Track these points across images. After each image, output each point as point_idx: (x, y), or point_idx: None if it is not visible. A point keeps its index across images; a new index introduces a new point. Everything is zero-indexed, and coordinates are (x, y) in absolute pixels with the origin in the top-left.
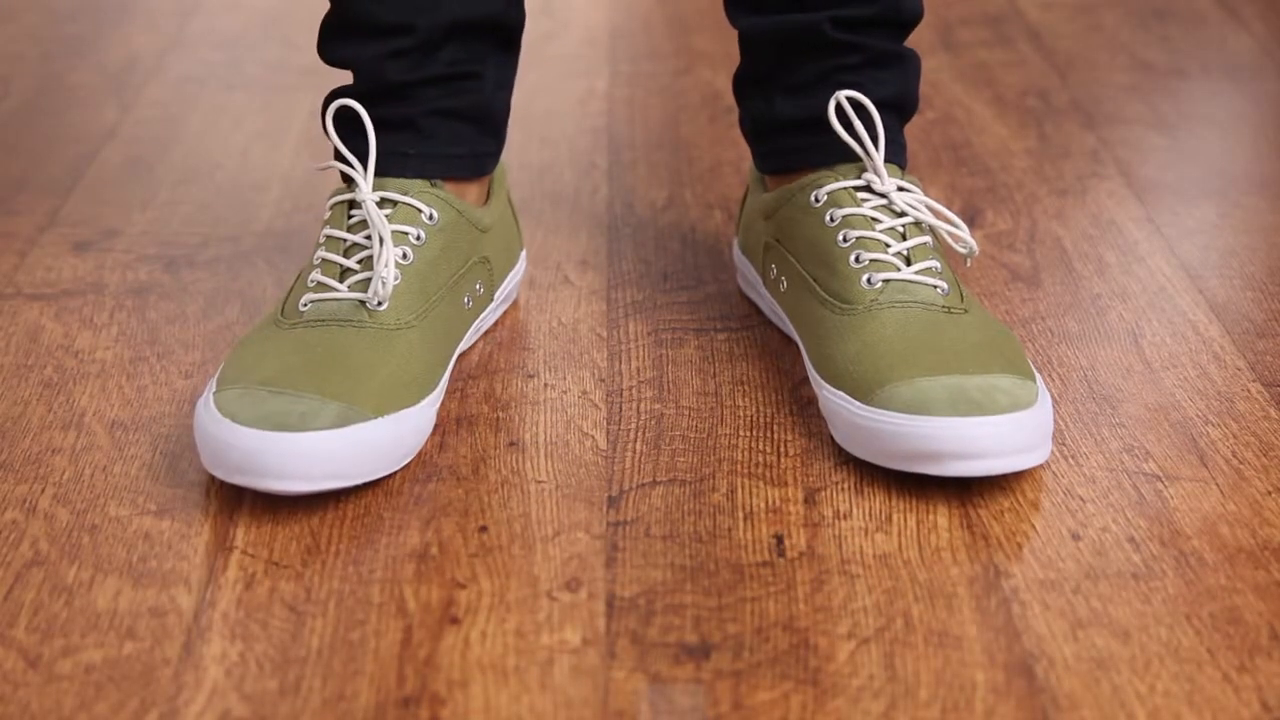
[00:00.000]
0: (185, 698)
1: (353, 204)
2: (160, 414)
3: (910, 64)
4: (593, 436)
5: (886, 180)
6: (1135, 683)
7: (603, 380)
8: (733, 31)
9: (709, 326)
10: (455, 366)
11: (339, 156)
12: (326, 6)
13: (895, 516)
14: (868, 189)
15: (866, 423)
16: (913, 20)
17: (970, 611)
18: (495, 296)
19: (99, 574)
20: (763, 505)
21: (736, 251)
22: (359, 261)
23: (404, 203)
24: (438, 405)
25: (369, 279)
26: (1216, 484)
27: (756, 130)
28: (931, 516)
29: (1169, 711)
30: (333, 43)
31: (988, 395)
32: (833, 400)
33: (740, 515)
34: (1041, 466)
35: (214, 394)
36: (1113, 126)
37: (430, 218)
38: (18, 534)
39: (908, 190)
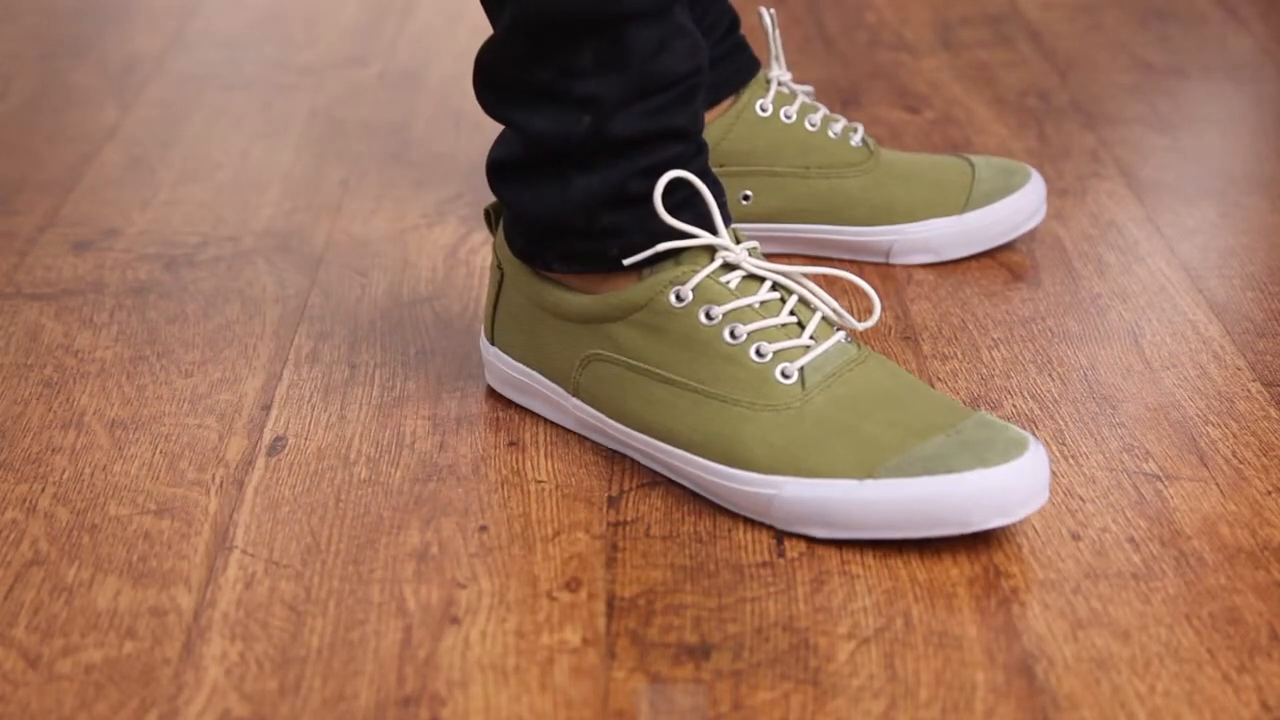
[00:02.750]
0: (185, 697)
1: (726, 267)
2: (160, 413)
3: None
4: (593, 436)
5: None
6: (1135, 683)
7: None
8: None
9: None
10: (457, 366)
11: (678, 233)
12: (326, 6)
13: None
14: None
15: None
16: None
17: (970, 611)
18: None
19: (99, 574)
20: None
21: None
22: (790, 313)
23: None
24: None
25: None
26: (1216, 484)
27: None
28: None
29: (1169, 711)
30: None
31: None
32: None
33: (740, 515)
34: None
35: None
36: (1113, 126)
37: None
38: (18, 533)
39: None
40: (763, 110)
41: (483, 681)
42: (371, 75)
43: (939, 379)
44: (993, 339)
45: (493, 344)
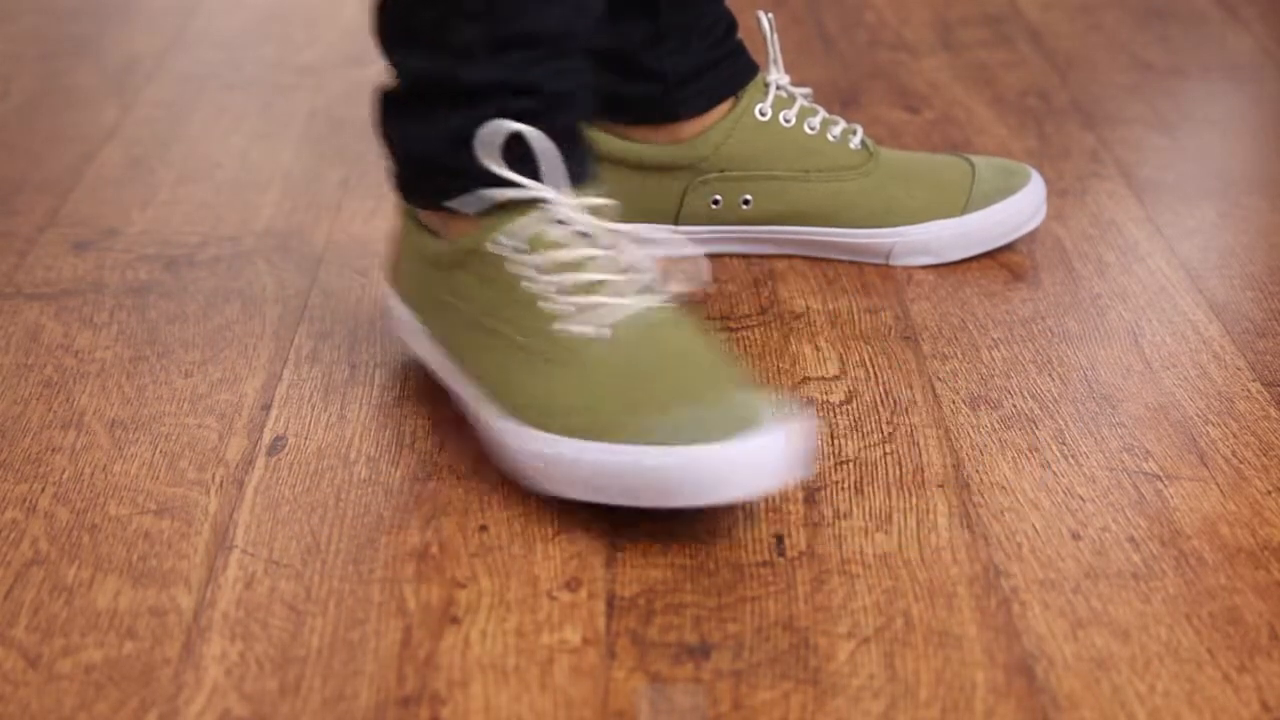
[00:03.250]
0: (185, 697)
1: (551, 221)
2: (160, 413)
3: None
4: None
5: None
6: (1135, 683)
7: None
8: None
9: (709, 326)
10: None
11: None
12: (326, 6)
13: (895, 516)
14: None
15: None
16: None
17: (970, 611)
18: None
19: (99, 573)
20: (762, 505)
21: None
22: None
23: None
24: None
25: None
26: (1216, 484)
27: None
28: (931, 516)
29: (1169, 711)
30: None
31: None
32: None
33: (740, 514)
34: (1042, 466)
35: (623, 440)
36: (1113, 126)
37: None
38: (18, 533)
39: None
40: (761, 114)
41: (483, 681)
42: (371, 75)
43: (939, 379)
44: (993, 339)
45: (393, 288)
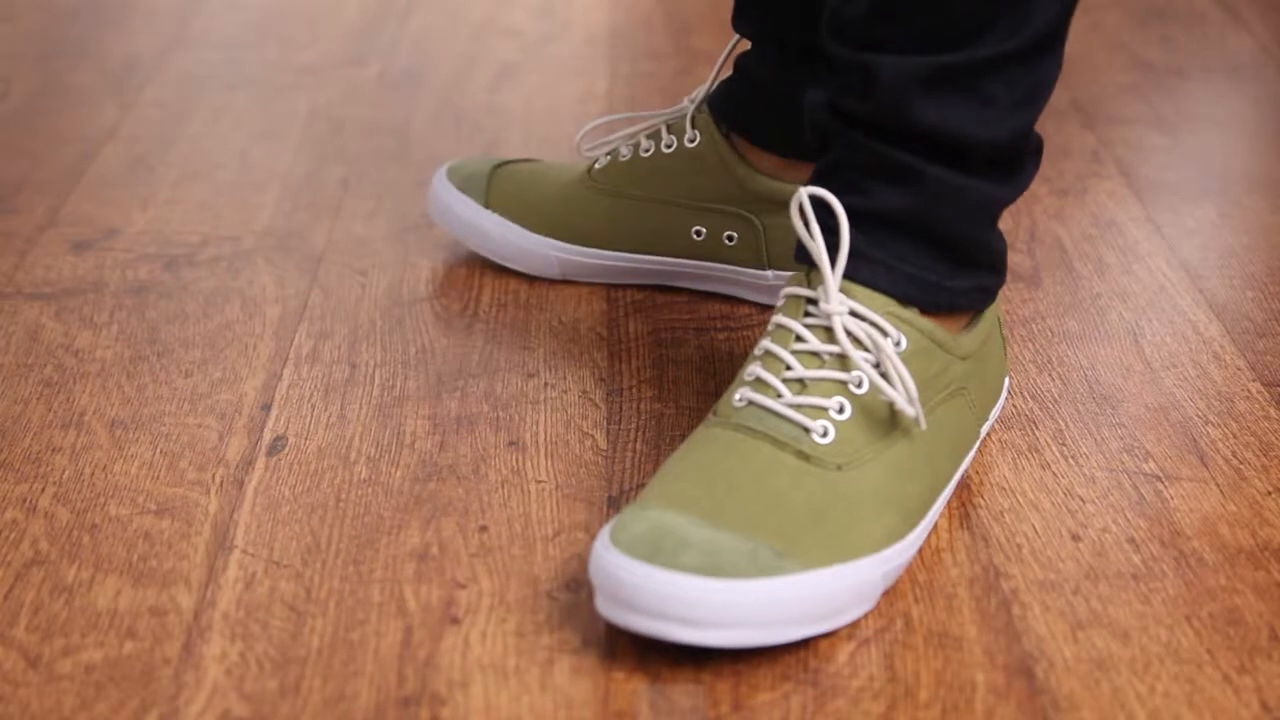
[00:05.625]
0: (185, 697)
1: (810, 301)
2: (160, 413)
3: (932, 185)
4: (593, 436)
5: (833, 298)
6: (1135, 683)
7: (603, 380)
8: (732, 30)
9: (709, 326)
10: (457, 365)
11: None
12: (326, 6)
13: None
14: (814, 303)
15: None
16: (923, 133)
17: (970, 612)
18: (979, 432)
19: (99, 573)
20: None
21: None
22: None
23: (871, 320)
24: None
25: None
26: (1216, 484)
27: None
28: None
29: (1169, 712)
30: None
31: (680, 546)
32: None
33: None
34: (1042, 466)
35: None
36: (1113, 126)
37: (898, 344)
38: (18, 533)
39: (865, 319)
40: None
41: (483, 681)
42: (371, 75)
43: None
44: None
45: None
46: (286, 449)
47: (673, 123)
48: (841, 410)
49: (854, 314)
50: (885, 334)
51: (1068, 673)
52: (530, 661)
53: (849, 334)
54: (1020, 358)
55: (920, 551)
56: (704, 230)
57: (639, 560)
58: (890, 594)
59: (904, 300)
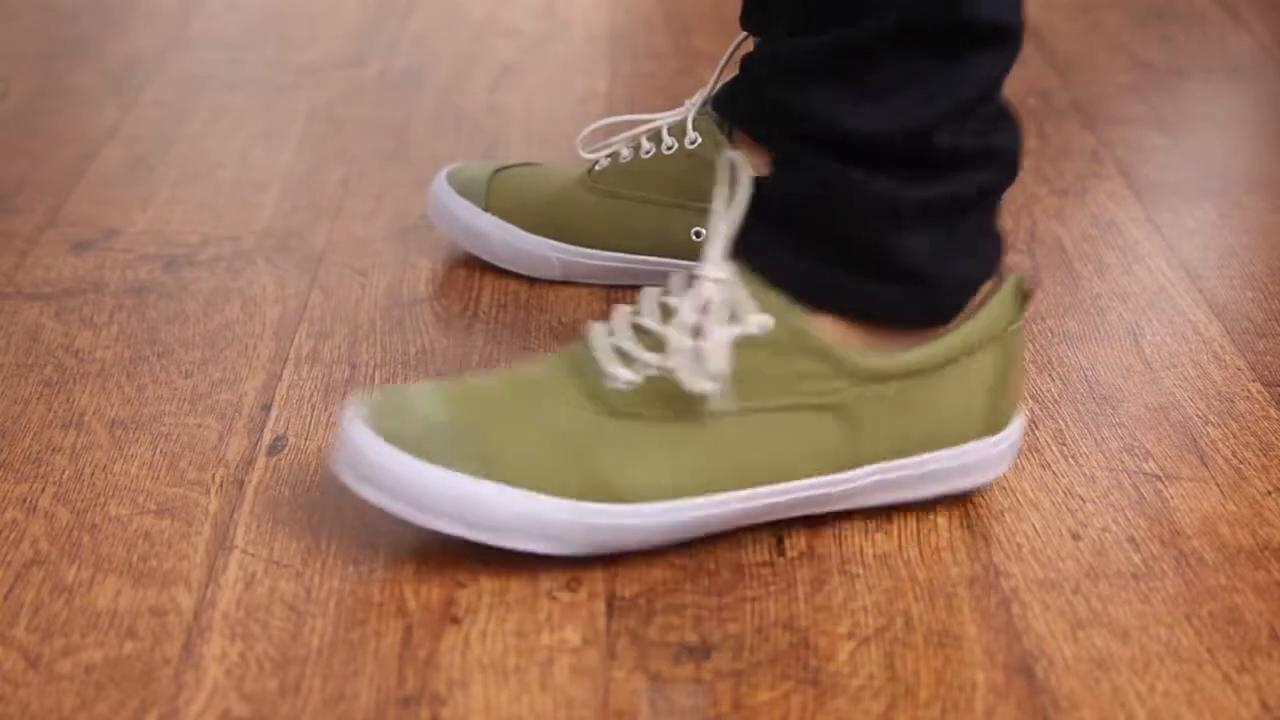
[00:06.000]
0: (185, 697)
1: None
2: (160, 413)
3: (819, 176)
4: None
5: (706, 265)
6: (1135, 683)
7: None
8: (733, 31)
9: None
10: (456, 366)
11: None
12: (326, 6)
13: (895, 516)
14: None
15: None
16: (799, 118)
17: (970, 611)
18: (853, 467)
19: (99, 573)
20: None
21: None
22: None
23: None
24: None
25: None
26: (1216, 484)
27: None
28: (931, 516)
29: (1169, 711)
30: None
31: (405, 422)
32: None
33: None
34: (1042, 466)
35: None
36: (1113, 126)
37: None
38: (18, 533)
39: (729, 294)
40: None
41: (483, 681)
42: (371, 75)
43: None
44: None
45: None
46: (286, 449)
47: (673, 124)
48: (661, 367)
49: (720, 283)
50: (735, 317)
51: (1068, 672)
52: (530, 661)
53: (698, 302)
54: None
55: (920, 550)
56: (704, 231)
57: (363, 419)
58: (890, 593)
59: (801, 294)
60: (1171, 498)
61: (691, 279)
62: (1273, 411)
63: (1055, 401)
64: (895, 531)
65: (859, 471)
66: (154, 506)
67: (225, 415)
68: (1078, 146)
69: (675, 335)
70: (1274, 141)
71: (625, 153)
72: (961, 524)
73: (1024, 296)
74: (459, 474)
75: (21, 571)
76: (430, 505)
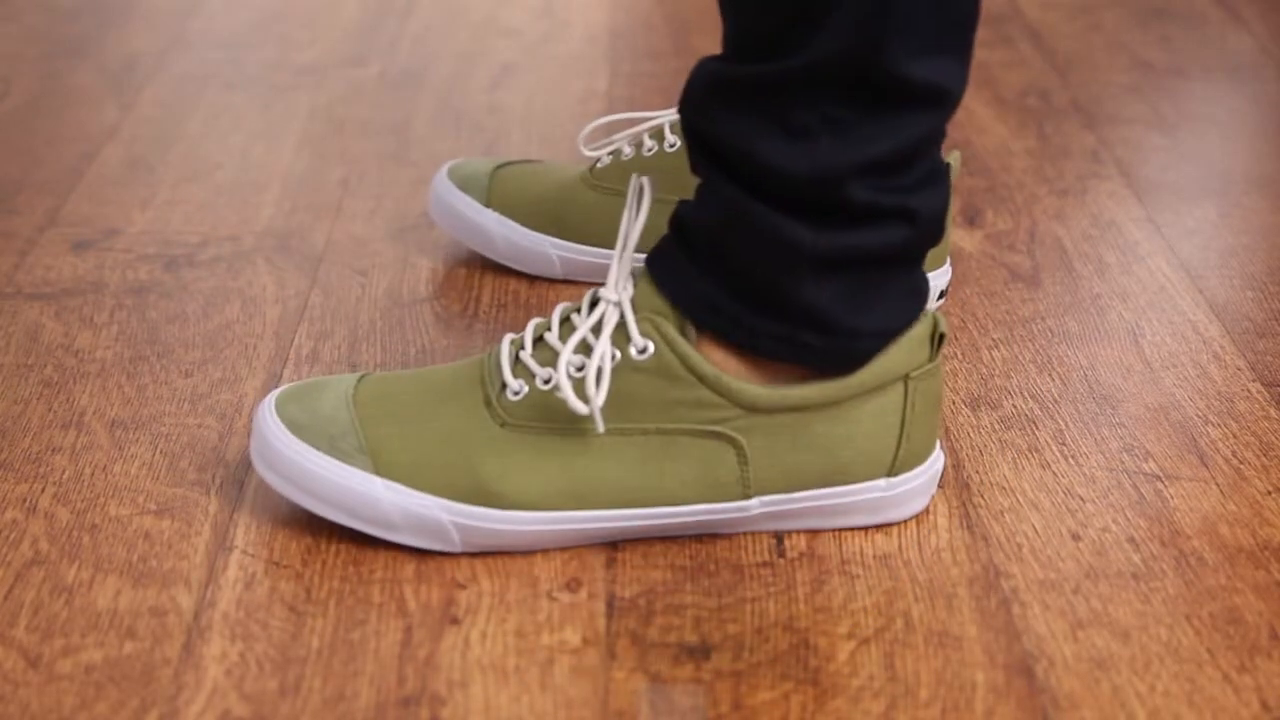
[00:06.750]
0: (185, 698)
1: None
2: (160, 413)
3: (727, 203)
4: None
5: (608, 285)
6: (1135, 683)
7: None
8: None
9: None
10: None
11: None
12: (326, 6)
13: None
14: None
15: None
16: (714, 143)
17: (970, 611)
18: (746, 502)
19: (99, 574)
20: None
21: None
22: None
23: (625, 319)
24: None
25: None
26: (1216, 484)
27: None
28: (931, 516)
29: (1169, 711)
30: None
31: (305, 408)
32: None
33: None
34: (1042, 466)
35: None
36: (1113, 126)
37: (643, 351)
38: (18, 533)
39: (624, 315)
40: None
41: (483, 681)
42: (371, 75)
43: None
44: (993, 339)
45: None
46: None
47: (676, 122)
48: (549, 382)
49: (614, 305)
50: (628, 338)
51: (1068, 672)
52: (530, 661)
53: (592, 321)
54: (1020, 358)
55: (920, 550)
56: None
57: (275, 407)
58: (890, 593)
59: (698, 320)
60: (1171, 498)
61: (594, 297)
62: (1273, 411)
63: (1055, 401)
64: (895, 532)
65: (749, 502)
66: (154, 507)
67: (225, 415)
68: (1078, 146)
69: (565, 352)
70: (1274, 141)
71: (627, 150)
72: (961, 524)
73: (938, 339)
74: (352, 468)
75: (21, 571)
76: (325, 497)
